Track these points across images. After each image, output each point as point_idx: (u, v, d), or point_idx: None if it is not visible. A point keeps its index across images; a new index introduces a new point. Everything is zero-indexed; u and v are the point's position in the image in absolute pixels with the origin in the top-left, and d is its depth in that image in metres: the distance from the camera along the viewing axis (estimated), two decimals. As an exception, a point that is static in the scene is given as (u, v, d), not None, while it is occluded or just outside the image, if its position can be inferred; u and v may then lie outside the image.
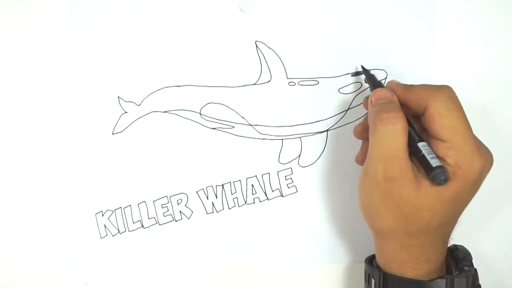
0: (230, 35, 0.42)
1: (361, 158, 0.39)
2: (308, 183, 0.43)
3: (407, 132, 0.32)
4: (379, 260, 0.36)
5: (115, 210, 0.43)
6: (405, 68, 0.42)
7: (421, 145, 0.32)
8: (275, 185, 0.43)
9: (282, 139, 0.43)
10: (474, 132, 0.33)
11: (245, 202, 0.43)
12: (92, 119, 0.43)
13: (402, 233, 0.33)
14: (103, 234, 0.43)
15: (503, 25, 0.42)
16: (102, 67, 0.43)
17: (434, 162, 0.31)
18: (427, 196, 0.31)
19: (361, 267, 0.39)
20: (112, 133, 0.43)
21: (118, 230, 0.43)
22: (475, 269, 0.35)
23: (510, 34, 0.42)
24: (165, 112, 0.43)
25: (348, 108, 0.42)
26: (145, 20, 0.43)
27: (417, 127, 0.34)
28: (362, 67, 0.41)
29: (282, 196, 0.43)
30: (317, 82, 0.42)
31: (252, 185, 0.43)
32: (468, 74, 0.42)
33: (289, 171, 0.43)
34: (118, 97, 0.43)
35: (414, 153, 0.33)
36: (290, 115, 0.42)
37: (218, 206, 0.43)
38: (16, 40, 0.43)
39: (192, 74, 0.43)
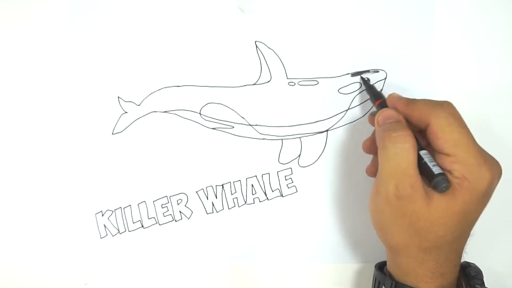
0: (230, 35, 0.42)
1: (372, 170, 0.39)
2: (308, 183, 0.43)
3: (416, 149, 0.32)
4: (392, 270, 0.36)
5: (115, 210, 0.43)
6: (405, 69, 0.42)
7: (423, 153, 0.32)
8: (275, 185, 0.43)
9: (282, 139, 0.43)
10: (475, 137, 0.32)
11: (245, 202, 0.43)
12: (92, 119, 0.43)
13: (416, 249, 0.33)
14: (103, 234, 0.43)
15: (503, 25, 0.42)
16: (102, 67, 0.43)
17: (436, 170, 0.32)
18: (438, 210, 0.31)
19: (361, 267, 0.39)
20: (112, 133, 0.43)
21: (118, 230, 0.43)
22: None
23: (510, 34, 0.42)
24: (165, 112, 0.43)
25: (348, 108, 0.42)
26: (145, 20, 0.43)
27: (422, 141, 0.34)
28: (362, 78, 0.41)
29: (282, 196, 0.43)
30: (317, 82, 0.42)
31: (252, 185, 0.43)
32: (468, 75, 0.42)
33: (289, 171, 0.43)
34: (118, 97, 0.43)
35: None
36: (290, 115, 0.42)
37: (218, 206, 0.43)
38: (16, 39, 0.43)
39: (192, 74, 0.43)
